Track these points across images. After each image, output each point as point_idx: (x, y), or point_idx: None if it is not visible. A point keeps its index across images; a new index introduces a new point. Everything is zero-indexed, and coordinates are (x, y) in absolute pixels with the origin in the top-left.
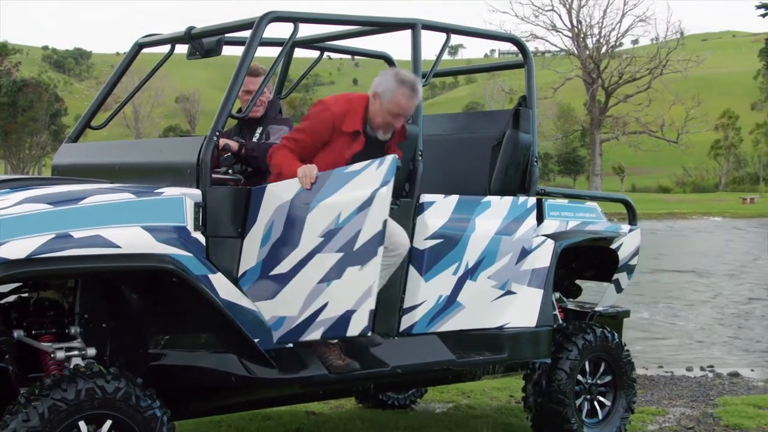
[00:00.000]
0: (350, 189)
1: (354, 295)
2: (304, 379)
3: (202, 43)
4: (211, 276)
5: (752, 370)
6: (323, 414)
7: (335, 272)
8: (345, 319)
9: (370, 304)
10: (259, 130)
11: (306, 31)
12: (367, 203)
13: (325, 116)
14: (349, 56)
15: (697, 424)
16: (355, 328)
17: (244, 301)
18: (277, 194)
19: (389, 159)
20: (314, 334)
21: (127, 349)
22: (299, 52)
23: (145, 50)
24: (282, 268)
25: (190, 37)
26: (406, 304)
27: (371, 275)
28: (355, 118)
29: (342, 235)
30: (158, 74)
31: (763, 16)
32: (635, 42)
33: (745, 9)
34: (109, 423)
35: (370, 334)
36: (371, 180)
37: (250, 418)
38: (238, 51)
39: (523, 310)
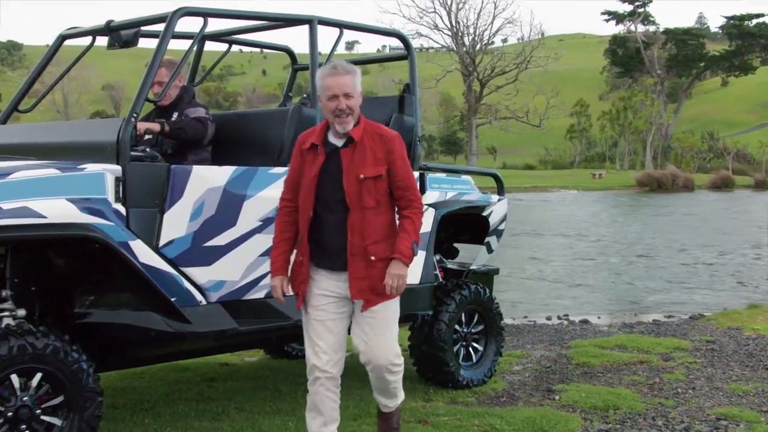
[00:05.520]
0: (279, 188)
1: None
2: (218, 332)
3: (121, 35)
4: (131, 243)
5: (599, 318)
6: (235, 365)
7: None
8: None
9: None
10: (175, 115)
11: (216, 25)
12: None
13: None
14: (258, 49)
15: (554, 364)
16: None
17: (162, 265)
18: (207, 177)
19: None
20: (258, 294)
21: (55, 309)
22: (213, 45)
23: (70, 42)
24: (218, 241)
25: (109, 29)
26: None
27: None
28: (312, 135)
29: None
30: (85, 64)
31: (607, 21)
32: (504, 41)
33: (593, 15)
34: (39, 375)
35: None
36: None
37: (170, 369)
38: (156, 43)
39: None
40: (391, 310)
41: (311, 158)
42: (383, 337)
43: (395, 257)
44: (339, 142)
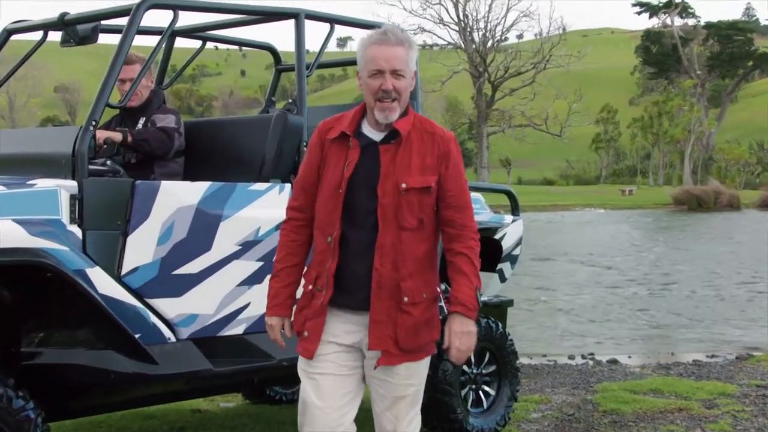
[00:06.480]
0: (264, 206)
1: None
2: (189, 374)
3: (77, 30)
4: (88, 270)
5: (629, 357)
6: (209, 411)
7: (256, 278)
8: None
9: None
10: (141, 120)
11: (188, 19)
12: None
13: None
14: (236, 47)
15: (578, 411)
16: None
17: (124, 297)
18: (177, 195)
19: (288, 186)
20: (236, 330)
21: None
22: (184, 42)
23: (18, 37)
24: (190, 269)
25: (63, 23)
26: None
27: None
28: (342, 122)
29: (262, 247)
30: (35, 63)
31: (639, 13)
32: (520, 37)
33: (622, 7)
34: None
35: None
36: (281, 202)
37: (133, 417)
38: (118, 39)
39: None
40: (417, 376)
41: (339, 153)
42: (398, 414)
43: (457, 311)
44: (377, 136)
